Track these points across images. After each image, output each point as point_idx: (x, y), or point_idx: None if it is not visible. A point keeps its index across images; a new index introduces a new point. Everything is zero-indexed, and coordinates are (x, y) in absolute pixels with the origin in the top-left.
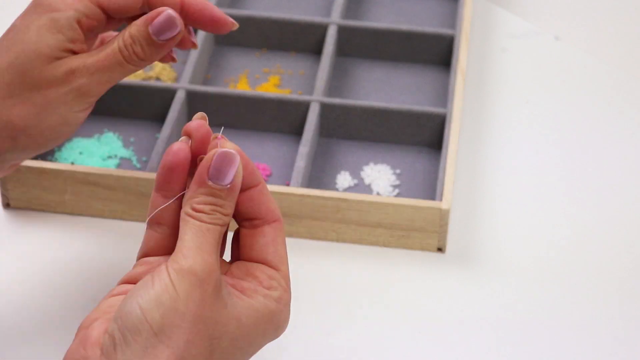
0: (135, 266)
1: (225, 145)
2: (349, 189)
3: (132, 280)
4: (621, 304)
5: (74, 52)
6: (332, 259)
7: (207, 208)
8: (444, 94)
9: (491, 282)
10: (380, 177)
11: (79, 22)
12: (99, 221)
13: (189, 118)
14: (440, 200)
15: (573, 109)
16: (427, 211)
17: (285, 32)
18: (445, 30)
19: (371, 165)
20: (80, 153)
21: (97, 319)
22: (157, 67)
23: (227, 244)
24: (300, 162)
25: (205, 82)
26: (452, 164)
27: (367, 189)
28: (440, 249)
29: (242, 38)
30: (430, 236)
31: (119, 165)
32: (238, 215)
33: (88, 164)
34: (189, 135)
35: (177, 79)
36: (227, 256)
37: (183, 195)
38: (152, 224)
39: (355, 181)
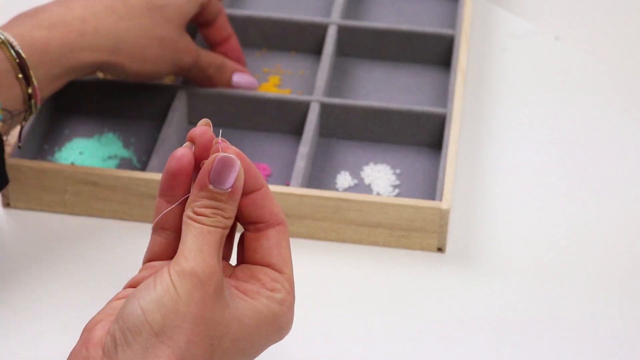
0: (140, 270)
1: (227, 149)
2: (349, 189)
3: (136, 284)
4: (621, 304)
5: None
6: (332, 259)
7: (208, 211)
8: (444, 94)
9: (491, 282)
10: (380, 177)
11: None
12: (99, 221)
13: (189, 118)
14: (440, 200)
15: (573, 109)
16: (427, 211)
17: (285, 32)
18: (445, 30)
19: (371, 165)
20: (81, 153)
21: (100, 320)
22: None
23: (234, 248)
24: (300, 162)
25: None
26: (452, 164)
27: (367, 189)
28: (440, 249)
29: (242, 38)
30: (430, 236)
31: (119, 165)
32: (242, 219)
33: (88, 164)
34: (193, 141)
35: (177, 79)
36: (233, 260)
37: (187, 199)
38: (157, 229)
39: (355, 181)
